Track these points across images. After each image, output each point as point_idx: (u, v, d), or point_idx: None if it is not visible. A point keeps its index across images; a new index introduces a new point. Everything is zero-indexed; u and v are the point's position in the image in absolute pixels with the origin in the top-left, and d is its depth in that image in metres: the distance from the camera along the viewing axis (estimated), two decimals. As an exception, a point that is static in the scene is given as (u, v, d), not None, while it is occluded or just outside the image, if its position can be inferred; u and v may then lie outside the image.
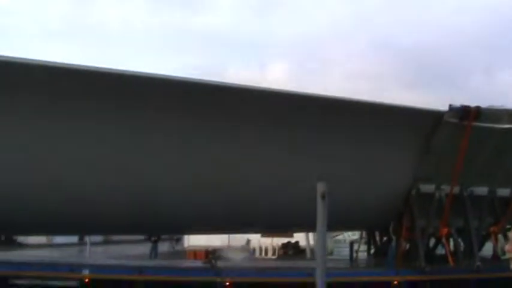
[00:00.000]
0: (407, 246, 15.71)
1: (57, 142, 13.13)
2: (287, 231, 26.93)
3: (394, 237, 16.16)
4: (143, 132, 13.29)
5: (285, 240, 38.06)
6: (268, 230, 23.67)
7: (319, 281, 6.86)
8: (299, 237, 37.22)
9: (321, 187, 6.90)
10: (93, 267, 14.04)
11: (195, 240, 35.49)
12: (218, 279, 13.90)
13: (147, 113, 13.10)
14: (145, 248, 38.31)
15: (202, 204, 14.00)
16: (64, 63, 12.27)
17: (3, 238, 48.80)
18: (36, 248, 42.26)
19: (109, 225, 15.02)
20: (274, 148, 14.15)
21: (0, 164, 13.14)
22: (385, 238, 16.83)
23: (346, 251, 18.82)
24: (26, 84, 12.13)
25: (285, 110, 13.77)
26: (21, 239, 49.53)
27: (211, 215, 14.33)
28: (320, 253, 7.17)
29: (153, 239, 34.19)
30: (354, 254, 18.09)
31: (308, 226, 17.70)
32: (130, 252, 38.94)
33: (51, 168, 13.22)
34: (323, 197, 6.87)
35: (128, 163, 13.36)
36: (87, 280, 13.45)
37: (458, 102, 14.87)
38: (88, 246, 31.90)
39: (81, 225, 14.94)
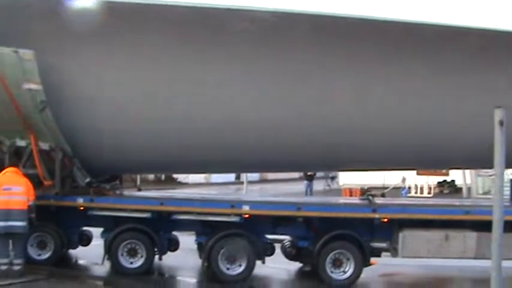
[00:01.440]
0: None
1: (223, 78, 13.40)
2: (443, 167, 26.12)
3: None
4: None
5: (440, 178, 37.30)
6: (424, 167, 23.01)
7: (497, 214, 6.50)
8: (455, 176, 36.34)
9: (498, 113, 6.44)
10: (253, 204, 14.19)
11: (349, 179, 35.42)
12: (376, 216, 13.70)
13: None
14: (299, 186, 38.69)
15: (359, 139, 13.75)
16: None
17: (163, 177, 50.99)
18: (195, 186, 43.63)
19: (266, 162, 15.06)
20: (429, 80, 13.63)
21: (161, 101, 13.53)
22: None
23: (505, 190, 17.94)
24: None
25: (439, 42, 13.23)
26: (181, 177, 51.37)
27: (368, 150, 14.05)
28: (498, 186, 6.77)
29: (309, 173, 34.37)
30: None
31: (466, 163, 17.11)
32: (285, 190, 39.49)
33: (213, 107, 13.48)
34: (501, 124, 6.42)
35: (291, 101, 13.36)
36: (247, 216, 13.63)
37: None
38: (245, 184, 32.50)
39: (239, 162, 15.12)
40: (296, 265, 15.22)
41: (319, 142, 13.66)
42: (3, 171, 13.13)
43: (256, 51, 13.24)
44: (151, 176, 48.19)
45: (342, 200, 20.32)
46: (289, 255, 15.07)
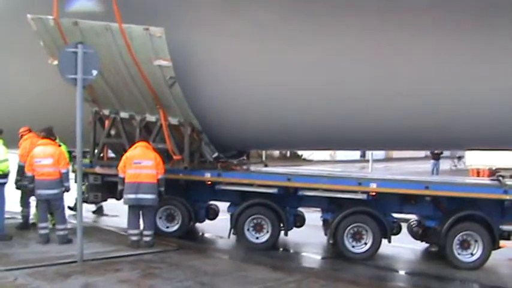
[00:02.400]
0: None
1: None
2: None
3: None
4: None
5: None
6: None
7: None
8: None
9: None
10: (381, 181, 13.94)
11: (477, 159, 34.42)
12: (507, 197, 13.16)
13: None
14: (425, 165, 38.06)
15: (485, 117, 13.15)
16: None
17: (288, 154, 51.47)
18: (320, 163, 43.71)
19: (391, 139, 14.76)
20: None
21: (288, 78, 13.51)
22: None
23: None
24: None
25: None
26: (305, 154, 51.63)
27: (494, 128, 13.45)
28: None
29: (435, 152, 33.68)
30: None
31: None
32: (410, 169, 38.94)
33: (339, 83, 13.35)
34: None
35: (419, 76, 13.00)
36: (374, 194, 13.44)
37: None
38: (370, 162, 32.28)
39: (365, 140, 14.90)
40: (422, 245, 14.93)
41: (442, 119, 13.25)
42: (133, 146, 13.51)
43: (385, 29, 12.99)
44: (276, 153, 48.94)
45: (470, 180, 19.67)
46: (416, 235, 14.83)
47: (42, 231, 13.26)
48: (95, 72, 11.54)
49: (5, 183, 13.72)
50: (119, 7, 12.66)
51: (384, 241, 13.57)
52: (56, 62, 12.63)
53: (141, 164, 13.04)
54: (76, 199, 13.67)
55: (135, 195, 12.96)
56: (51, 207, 13.40)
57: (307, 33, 13.28)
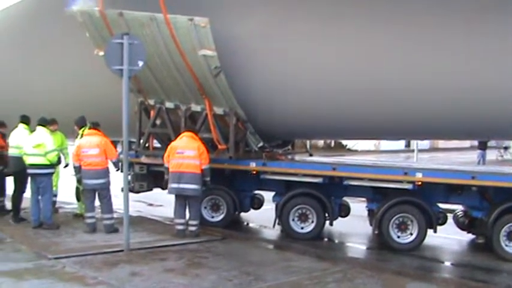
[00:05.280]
0: None
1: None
2: None
3: None
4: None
5: None
6: None
7: None
8: None
9: None
10: (427, 171, 13.71)
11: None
12: (553, 188, 12.88)
13: None
14: (471, 156, 37.64)
15: None
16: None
17: (332, 144, 51.37)
18: (364, 153, 43.46)
19: (434, 129, 14.54)
20: None
21: (330, 68, 13.44)
22: None
23: None
24: None
25: None
26: (350, 144, 51.42)
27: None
28: None
29: (482, 141, 33.18)
30: None
31: None
32: (456, 159, 38.51)
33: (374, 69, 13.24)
34: None
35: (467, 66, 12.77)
36: (420, 183, 13.27)
37: None
38: (416, 152, 32.00)
39: (411, 129, 14.73)
40: (469, 236, 14.76)
41: (487, 109, 12.98)
42: (180, 135, 13.56)
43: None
44: (320, 142, 48.84)
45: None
46: (462, 226, 14.67)
47: (89, 221, 13.43)
48: (141, 63, 11.58)
49: (52, 173, 13.95)
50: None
51: (430, 232, 13.41)
52: (102, 53, 12.74)
53: (183, 153, 13.08)
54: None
55: (177, 185, 13.03)
56: (98, 196, 13.56)
57: (352, 24, 13.20)
